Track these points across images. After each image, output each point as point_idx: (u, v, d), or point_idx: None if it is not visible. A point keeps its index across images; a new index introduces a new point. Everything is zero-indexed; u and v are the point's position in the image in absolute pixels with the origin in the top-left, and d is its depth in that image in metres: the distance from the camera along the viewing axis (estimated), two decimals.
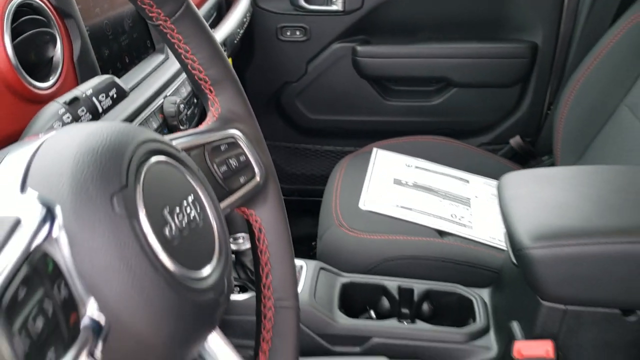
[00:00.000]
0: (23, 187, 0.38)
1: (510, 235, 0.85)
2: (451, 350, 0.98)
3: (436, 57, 1.65)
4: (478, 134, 1.73)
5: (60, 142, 0.40)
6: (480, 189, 1.46)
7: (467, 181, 1.49)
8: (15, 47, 0.63)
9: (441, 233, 1.25)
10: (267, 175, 0.61)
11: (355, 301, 1.09)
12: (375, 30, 1.68)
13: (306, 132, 1.80)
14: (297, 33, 1.67)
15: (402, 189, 1.40)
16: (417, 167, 1.51)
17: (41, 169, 0.38)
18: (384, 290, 1.10)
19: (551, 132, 1.49)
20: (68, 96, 0.58)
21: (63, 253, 0.36)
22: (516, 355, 0.82)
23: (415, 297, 1.08)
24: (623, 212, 0.84)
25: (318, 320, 1.01)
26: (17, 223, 0.35)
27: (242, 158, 0.58)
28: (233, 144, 0.58)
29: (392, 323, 1.03)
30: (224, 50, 0.90)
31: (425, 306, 1.09)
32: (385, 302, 1.10)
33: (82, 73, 0.71)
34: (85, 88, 0.60)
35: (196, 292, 0.42)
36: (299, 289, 1.05)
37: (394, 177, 1.45)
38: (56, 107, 0.57)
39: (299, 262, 1.11)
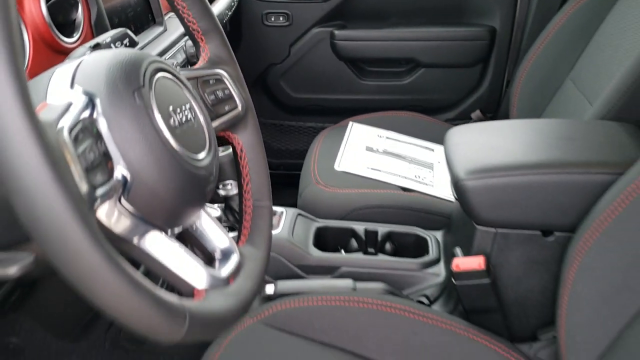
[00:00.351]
0: (72, 85, 0.55)
1: (450, 173, 1.03)
2: (407, 277, 1.16)
3: (405, 40, 1.83)
4: (444, 110, 1.91)
5: (97, 58, 0.58)
6: (443, 156, 1.63)
7: (432, 150, 1.66)
8: (49, 9, 0.80)
9: (405, 190, 1.42)
10: (247, 107, 0.79)
11: (327, 242, 1.27)
12: (351, 16, 1.86)
13: (290, 110, 1.97)
14: (281, 19, 1.84)
15: (373, 155, 1.58)
16: (387, 138, 1.69)
17: (84, 73, 0.56)
18: (352, 233, 1.27)
19: (509, 107, 1.67)
20: (92, 42, 0.75)
21: (102, 128, 0.54)
22: (455, 269, 1.00)
23: (379, 238, 1.26)
24: (542, 151, 1.01)
25: (295, 253, 1.18)
26: (69, 105, 0.52)
27: (226, 91, 0.76)
28: (219, 80, 0.75)
29: (358, 255, 1.20)
30: None
31: (388, 245, 1.26)
32: (353, 243, 1.27)
33: (97, 33, 0.89)
34: (105, 37, 0.77)
35: (193, 167, 0.59)
36: (278, 231, 1.22)
37: (367, 145, 1.63)
38: (83, 50, 0.74)
39: (279, 208, 1.29)
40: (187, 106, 0.63)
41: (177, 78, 0.64)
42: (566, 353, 0.89)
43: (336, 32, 1.84)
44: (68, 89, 0.55)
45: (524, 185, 0.97)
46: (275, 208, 1.29)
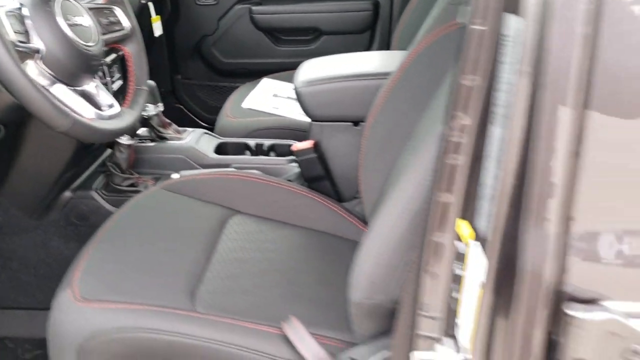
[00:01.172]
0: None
1: (294, 85, 1.48)
2: (277, 169, 1.61)
3: (309, 13, 2.29)
4: None
5: None
6: None
7: None
8: None
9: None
10: (133, 30, 1.25)
11: (227, 153, 1.72)
12: None
13: (221, 73, 2.43)
14: None
15: (278, 99, 2.03)
16: (293, 88, 2.14)
17: None
18: (246, 146, 1.73)
19: None
20: None
21: (27, 23, 0.99)
22: (294, 149, 1.45)
23: (265, 148, 1.71)
24: (351, 67, 1.47)
25: (197, 156, 1.64)
26: (6, 5, 0.98)
27: (115, 18, 1.22)
28: (111, 11, 1.21)
29: (245, 156, 1.66)
30: None
31: (272, 154, 1.72)
32: (247, 154, 1.73)
33: None
34: None
35: (83, 48, 1.05)
36: (186, 141, 1.68)
37: (274, 93, 2.09)
38: None
39: (189, 129, 1.74)
40: (81, 17, 1.09)
41: (78, 3, 1.10)
42: (364, 198, 1.34)
43: (254, 7, 2.32)
44: (10, 1, 1.01)
45: (337, 90, 1.42)
46: (185, 128, 1.75)
